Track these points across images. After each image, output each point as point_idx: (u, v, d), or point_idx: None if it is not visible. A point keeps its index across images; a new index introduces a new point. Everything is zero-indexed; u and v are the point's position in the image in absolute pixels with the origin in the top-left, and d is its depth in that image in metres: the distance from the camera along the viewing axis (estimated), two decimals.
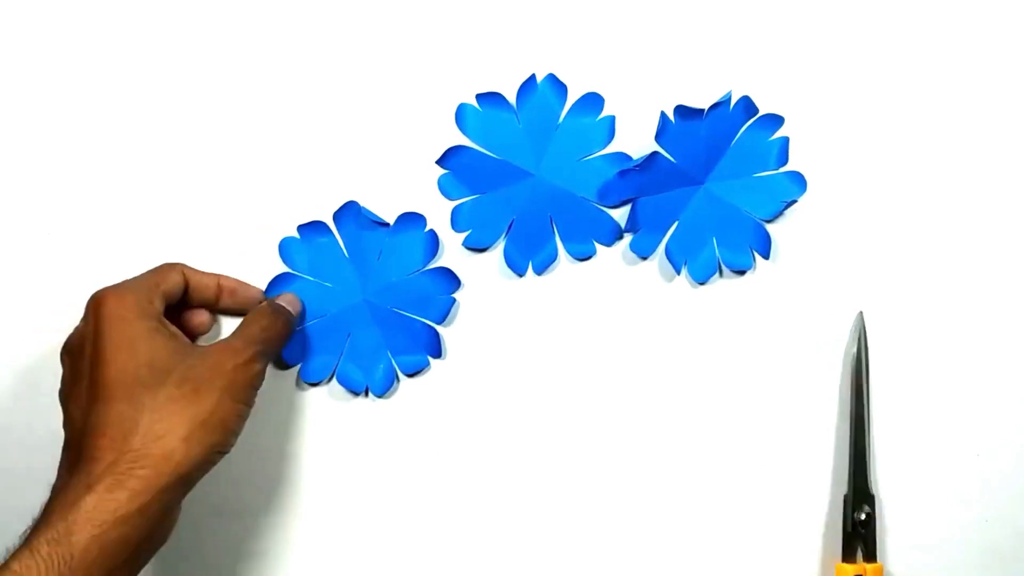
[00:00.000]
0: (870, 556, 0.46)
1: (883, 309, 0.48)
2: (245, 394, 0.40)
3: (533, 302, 0.48)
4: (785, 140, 0.47)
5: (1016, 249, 0.49)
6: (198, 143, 0.47)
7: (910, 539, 0.48)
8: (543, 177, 0.47)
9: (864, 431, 0.46)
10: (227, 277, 0.46)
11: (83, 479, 0.34)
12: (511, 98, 0.47)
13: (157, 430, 0.36)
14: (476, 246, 0.47)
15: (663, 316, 0.48)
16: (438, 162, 0.47)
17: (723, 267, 0.48)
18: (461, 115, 0.47)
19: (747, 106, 0.47)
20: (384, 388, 0.47)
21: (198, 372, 0.38)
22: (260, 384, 0.41)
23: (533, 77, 0.47)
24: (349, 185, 0.47)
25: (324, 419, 0.47)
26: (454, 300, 0.47)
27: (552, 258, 0.48)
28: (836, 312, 0.48)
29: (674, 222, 0.48)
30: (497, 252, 0.48)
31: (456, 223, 0.47)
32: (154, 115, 0.47)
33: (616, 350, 0.48)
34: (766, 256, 0.48)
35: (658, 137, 0.46)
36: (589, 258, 0.48)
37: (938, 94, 0.48)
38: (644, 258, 0.48)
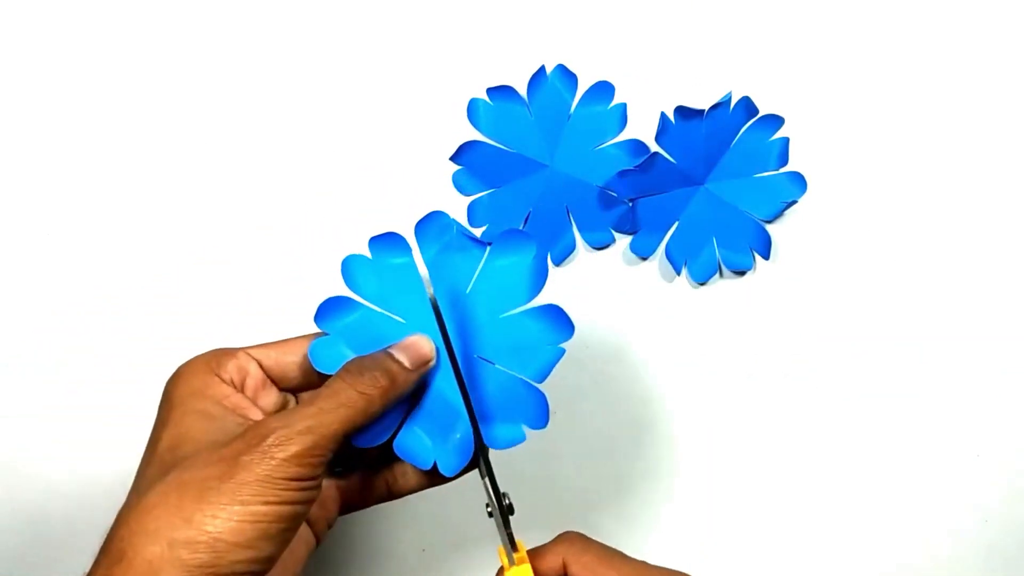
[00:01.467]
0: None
1: (883, 309, 0.48)
2: (266, 492, 0.28)
3: (554, 292, 0.48)
4: (785, 140, 0.47)
5: (1016, 248, 0.49)
6: (201, 143, 0.47)
7: (911, 535, 0.48)
8: (557, 168, 0.47)
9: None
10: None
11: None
12: (522, 91, 0.47)
13: (142, 532, 0.27)
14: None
15: (663, 316, 0.48)
16: (452, 158, 0.47)
17: (723, 267, 0.48)
18: (473, 110, 0.47)
19: (747, 106, 0.47)
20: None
21: (200, 454, 0.29)
22: (312, 476, 0.29)
23: (543, 69, 0.47)
24: (364, 186, 0.47)
25: None
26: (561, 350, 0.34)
27: (570, 248, 0.48)
28: (836, 312, 0.48)
29: (674, 222, 0.48)
30: None
31: (473, 218, 0.47)
32: (158, 115, 0.47)
33: (617, 350, 0.48)
34: (766, 256, 0.48)
35: (658, 137, 0.46)
36: (607, 246, 0.48)
37: (938, 94, 0.48)
38: (644, 258, 0.48)
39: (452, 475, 0.34)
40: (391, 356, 0.32)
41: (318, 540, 0.35)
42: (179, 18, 0.47)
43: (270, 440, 0.28)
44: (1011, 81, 0.48)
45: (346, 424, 0.30)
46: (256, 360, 0.33)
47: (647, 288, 0.48)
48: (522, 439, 0.34)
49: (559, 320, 0.34)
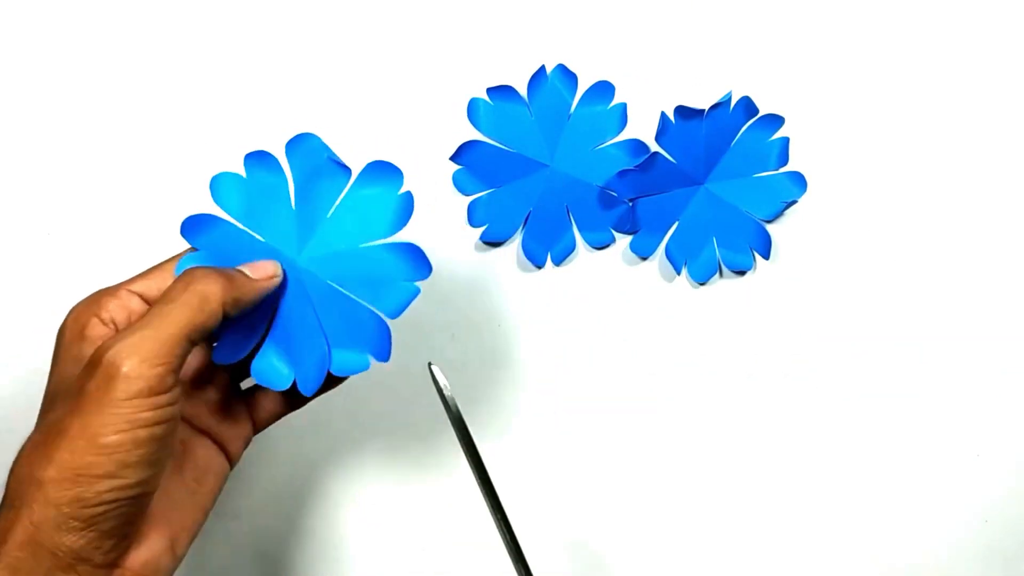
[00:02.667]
0: None
1: (883, 309, 0.48)
2: (115, 421, 0.27)
3: (553, 292, 0.48)
4: (785, 140, 0.47)
5: (1016, 248, 0.49)
6: (201, 144, 0.47)
7: (911, 534, 0.48)
8: (558, 167, 0.47)
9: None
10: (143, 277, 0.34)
11: None
12: (522, 90, 0.47)
13: (19, 477, 0.28)
14: (494, 240, 0.47)
15: (663, 316, 0.48)
16: (452, 158, 0.47)
17: (723, 267, 0.48)
18: (473, 109, 0.47)
19: (747, 106, 0.47)
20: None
21: (59, 400, 0.30)
22: (161, 388, 0.28)
23: (543, 68, 0.47)
24: None
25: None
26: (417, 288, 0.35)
27: (570, 248, 0.48)
28: (836, 312, 0.48)
29: (674, 222, 0.48)
30: (514, 245, 0.48)
31: (473, 218, 0.47)
32: (158, 116, 0.47)
33: (617, 350, 0.48)
34: (766, 256, 0.48)
35: (658, 137, 0.46)
36: (607, 246, 0.48)
37: (938, 94, 0.48)
38: (644, 258, 0.48)
39: (310, 395, 0.34)
40: (236, 268, 0.32)
41: (232, 461, 0.35)
42: (178, 19, 0.47)
43: (107, 358, 0.27)
44: (1011, 81, 0.48)
45: (184, 327, 0.29)
46: (138, 294, 0.33)
47: (647, 288, 0.48)
48: (365, 367, 0.34)
49: (417, 258, 0.34)
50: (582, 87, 0.47)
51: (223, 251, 0.34)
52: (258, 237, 0.35)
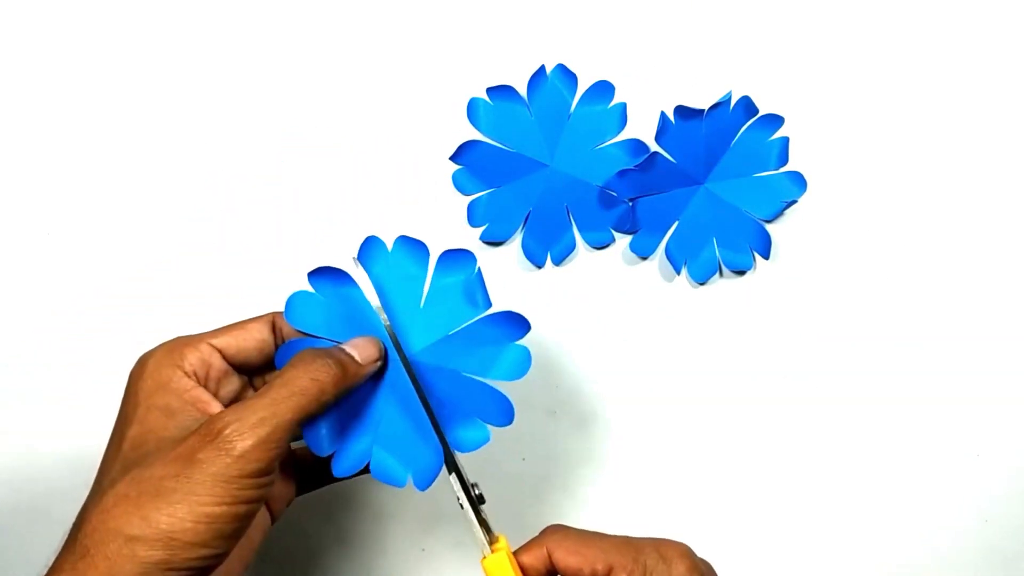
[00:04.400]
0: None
1: (883, 309, 0.48)
2: (221, 492, 0.28)
3: (553, 292, 0.48)
4: (785, 140, 0.47)
5: (1016, 248, 0.49)
6: (202, 144, 0.47)
7: (911, 535, 0.48)
8: (557, 167, 0.47)
9: None
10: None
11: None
12: (522, 90, 0.47)
13: (103, 529, 0.28)
14: (494, 240, 0.48)
15: (663, 316, 0.48)
16: (452, 158, 0.47)
17: (723, 267, 0.48)
18: (473, 109, 0.47)
19: (747, 106, 0.47)
20: None
21: (159, 450, 0.30)
22: (268, 470, 0.29)
23: (543, 68, 0.47)
24: (363, 188, 0.47)
25: None
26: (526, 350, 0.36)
27: (570, 248, 0.48)
28: (836, 312, 0.48)
29: (674, 222, 0.48)
30: (514, 245, 0.48)
31: (473, 218, 0.47)
32: (159, 116, 0.47)
33: (617, 350, 0.48)
34: (766, 256, 0.48)
35: (658, 137, 0.46)
36: (607, 246, 0.48)
37: (937, 94, 0.48)
38: (644, 258, 0.48)
39: (424, 488, 0.34)
40: (341, 350, 0.33)
41: (275, 519, 0.35)
42: (179, 19, 0.47)
43: (224, 434, 0.28)
44: (1010, 81, 0.48)
45: (299, 412, 0.30)
46: (218, 350, 0.34)
47: (647, 288, 0.48)
48: (487, 439, 0.35)
49: (514, 321, 0.35)
50: (582, 87, 0.47)
51: (336, 310, 0.35)
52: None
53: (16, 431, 0.47)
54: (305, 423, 0.31)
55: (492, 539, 0.33)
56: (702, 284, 0.48)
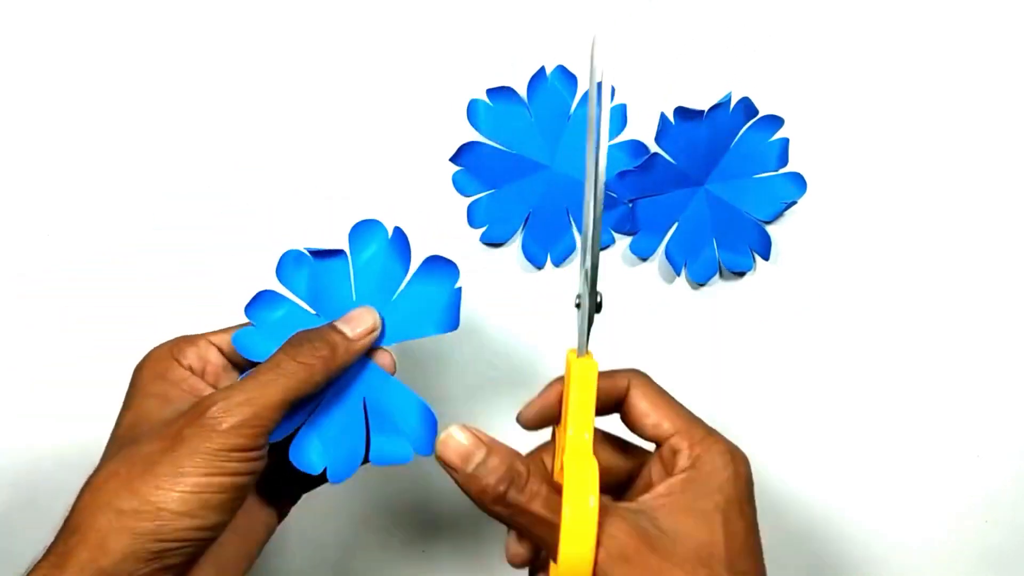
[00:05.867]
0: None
1: (883, 309, 0.48)
2: (207, 464, 0.29)
3: (553, 293, 0.48)
4: (785, 141, 0.47)
5: (1016, 248, 0.49)
6: (202, 145, 0.47)
7: (911, 535, 0.48)
8: (557, 169, 0.47)
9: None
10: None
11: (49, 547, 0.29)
12: (522, 91, 0.47)
13: (93, 505, 0.29)
14: (494, 241, 0.48)
15: (663, 316, 0.48)
16: (452, 159, 0.47)
17: (723, 268, 0.48)
18: (473, 111, 0.47)
19: (747, 107, 0.47)
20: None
21: (151, 431, 0.30)
22: (253, 447, 0.30)
23: (543, 69, 0.47)
24: (364, 187, 0.47)
25: None
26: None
27: (570, 249, 0.48)
28: (836, 312, 0.48)
29: (674, 223, 0.48)
30: (514, 246, 0.48)
31: (473, 219, 0.47)
32: (159, 117, 0.47)
33: (617, 351, 0.48)
34: (766, 257, 0.48)
35: (658, 138, 0.46)
36: (607, 247, 0.48)
37: (937, 94, 0.48)
38: (644, 259, 0.48)
39: (338, 482, 0.34)
40: (333, 327, 0.33)
41: (281, 517, 0.36)
42: (179, 19, 0.47)
43: (210, 412, 0.29)
44: (1010, 81, 0.48)
45: (285, 394, 0.31)
46: (216, 346, 0.35)
47: (647, 289, 0.48)
48: (407, 459, 0.34)
49: (443, 266, 0.35)
50: (582, 88, 0.47)
51: (281, 330, 0.34)
52: (319, 318, 0.36)
53: (16, 431, 0.47)
54: (297, 403, 0.32)
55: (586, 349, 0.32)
56: (702, 285, 0.48)
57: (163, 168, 0.47)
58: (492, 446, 0.29)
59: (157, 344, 0.35)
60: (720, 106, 0.46)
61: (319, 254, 0.36)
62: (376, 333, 0.34)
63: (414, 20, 0.48)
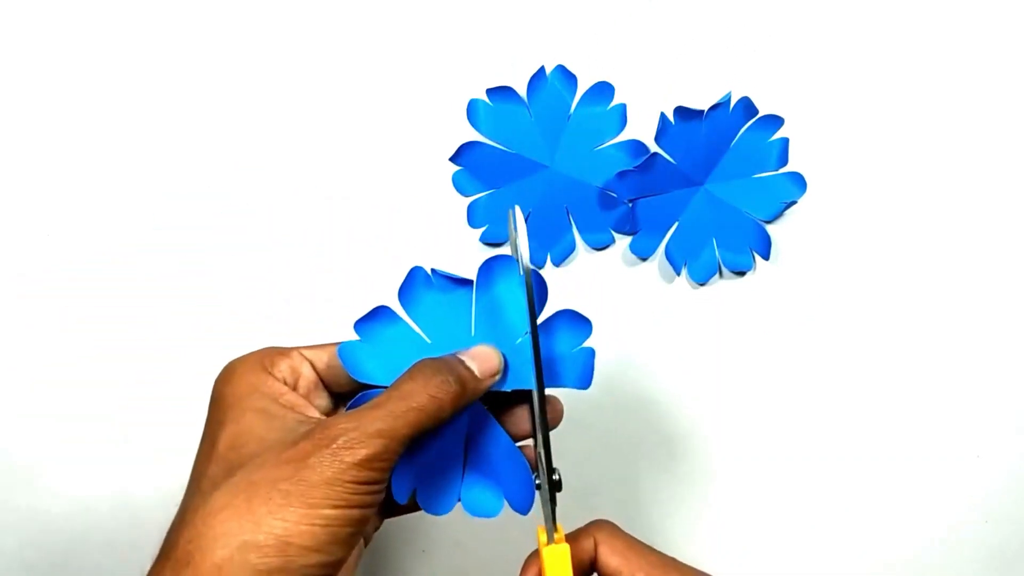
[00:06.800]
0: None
1: (883, 309, 0.48)
2: (336, 495, 0.27)
3: (553, 293, 0.48)
4: (785, 141, 0.47)
5: (1016, 248, 0.49)
6: (203, 145, 0.47)
7: (911, 534, 0.48)
8: (557, 168, 0.47)
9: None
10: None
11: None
12: (522, 91, 0.47)
13: (209, 535, 0.26)
14: (494, 241, 0.48)
15: (663, 316, 0.48)
16: (451, 159, 0.47)
17: (723, 268, 0.48)
18: (473, 110, 0.47)
19: (747, 107, 0.47)
20: None
21: (268, 454, 0.28)
22: (380, 480, 0.28)
23: (543, 69, 0.47)
24: (364, 187, 0.47)
25: None
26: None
27: (570, 249, 0.48)
28: (836, 312, 0.48)
29: (674, 223, 0.48)
30: None
31: (472, 219, 0.47)
32: (160, 117, 0.47)
33: (617, 351, 0.48)
34: (766, 257, 0.48)
35: (658, 138, 0.46)
36: (607, 247, 0.48)
37: (937, 94, 0.48)
38: (644, 259, 0.48)
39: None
40: (462, 363, 0.31)
41: (366, 542, 0.35)
42: (180, 20, 0.47)
43: (340, 442, 0.27)
44: (1010, 81, 0.48)
45: (415, 428, 0.29)
46: (309, 361, 0.33)
47: (647, 289, 0.48)
48: (494, 515, 0.33)
49: (576, 322, 0.34)
50: (582, 88, 0.47)
51: (389, 351, 0.33)
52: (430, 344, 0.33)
53: (16, 431, 0.47)
54: (420, 436, 0.30)
55: (555, 528, 0.32)
56: (702, 285, 0.48)
57: (163, 168, 0.47)
58: None
59: (239, 356, 0.32)
60: (720, 106, 0.46)
61: (447, 279, 0.33)
62: (498, 377, 0.32)
63: (414, 20, 0.48)
